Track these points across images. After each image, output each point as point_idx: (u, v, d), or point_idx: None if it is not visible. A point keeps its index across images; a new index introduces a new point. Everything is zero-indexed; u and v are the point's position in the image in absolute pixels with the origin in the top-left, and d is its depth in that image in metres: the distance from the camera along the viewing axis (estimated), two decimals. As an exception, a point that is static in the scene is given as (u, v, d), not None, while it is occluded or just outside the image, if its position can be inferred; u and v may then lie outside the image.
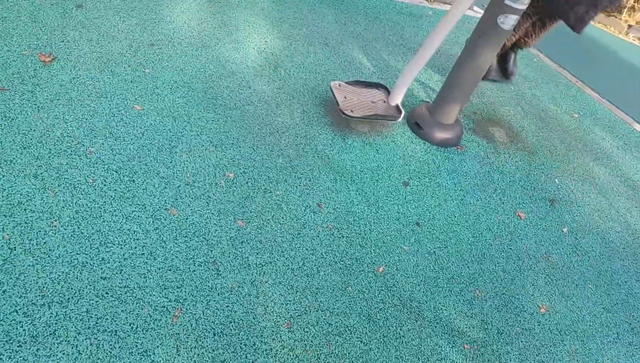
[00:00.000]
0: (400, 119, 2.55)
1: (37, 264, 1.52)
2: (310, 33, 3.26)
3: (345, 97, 2.54)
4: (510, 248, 2.17)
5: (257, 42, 2.95)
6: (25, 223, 1.61)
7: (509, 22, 2.27)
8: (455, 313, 1.82)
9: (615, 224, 2.55)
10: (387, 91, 2.68)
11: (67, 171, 1.80)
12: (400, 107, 2.58)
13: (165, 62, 2.48)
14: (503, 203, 2.43)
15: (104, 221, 1.70)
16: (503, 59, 2.98)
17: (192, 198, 1.87)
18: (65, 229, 1.64)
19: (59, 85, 2.12)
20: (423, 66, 2.47)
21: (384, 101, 2.62)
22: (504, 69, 2.95)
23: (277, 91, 2.62)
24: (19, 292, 1.45)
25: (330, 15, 3.59)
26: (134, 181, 1.85)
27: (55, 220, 1.65)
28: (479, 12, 4.11)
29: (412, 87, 3.10)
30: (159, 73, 2.40)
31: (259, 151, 2.20)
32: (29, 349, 1.35)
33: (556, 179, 2.73)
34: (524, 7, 2.24)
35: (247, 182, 2.03)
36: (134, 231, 1.71)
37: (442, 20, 2.27)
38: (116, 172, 1.86)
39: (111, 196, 1.77)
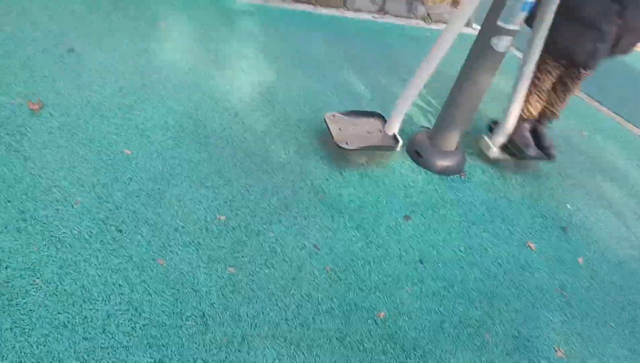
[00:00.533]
0: (398, 149, 2.47)
1: (15, 327, 1.45)
2: (305, 62, 3.22)
3: (340, 129, 2.46)
4: (522, 284, 2.04)
5: (251, 75, 2.91)
6: (6, 282, 1.55)
7: (502, 44, 2.19)
8: (464, 362, 1.69)
9: (635, 252, 2.39)
10: (383, 120, 2.60)
11: (52, 223, 1.74)
12: (398, 136, 2.49)
13: (155, 103, 2.45)
14: (512, 233, 2.31)
15: (88, 276, 1.63)
16: (536, 136, 2.63)
17: (181, 246, 1.80)
18: (48, 286, 1.57)
19: (47, 133, 2.08)
20: (419, 91, 2.39)
21: (380, 130, 2.54)
22: (541, 146, 2.60)
23: (272, 125, 2.57)
24: (-5, 360, 1.37)
25: (325, 43, 3.55)
26: (121, 230, 1.79)
27: (37, 278, 1.58)
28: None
29: (410, 113, 3.02)
30: (149, 114, 2.36)
31: (252, 190, 2.13)
32: (3, 424, 1.27)
33: (568, 204, 2.60)
34: (516, 28, 2.16)
35: (239, 225, 1.95)
36: (120, 285, 1.63)
37: (437, 41, 2.20)
38: (103, 222, 1.80)
39: (97, 249, 1.71)
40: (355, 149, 2.35)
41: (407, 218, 2.24)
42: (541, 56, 2.43)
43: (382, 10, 4.40)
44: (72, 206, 1.82)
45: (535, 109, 2.63)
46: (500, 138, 2.62)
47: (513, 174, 2.72)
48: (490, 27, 2.19)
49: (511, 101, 2.52)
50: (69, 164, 1.98)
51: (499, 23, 2.15)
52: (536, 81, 2.54)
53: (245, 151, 2.33)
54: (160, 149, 2.18)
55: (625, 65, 4.77)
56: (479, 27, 2.34)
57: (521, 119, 2.61)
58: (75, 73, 2.46)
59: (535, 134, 2.66)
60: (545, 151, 2.61)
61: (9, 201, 1.77)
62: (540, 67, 2.49)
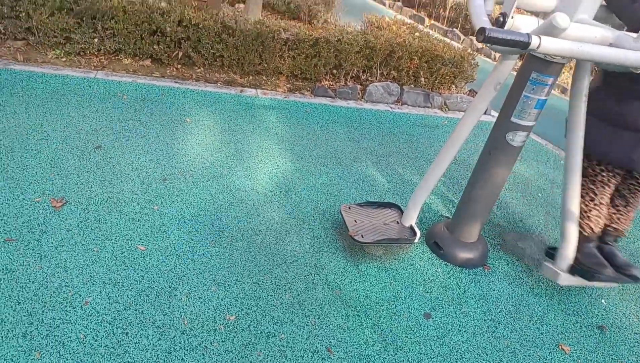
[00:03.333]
0: (416, 241, 2.40)
1: None
2: (323, 153, 3.30)
3: (355, 221, 2.43)
4: (558, 395, 1.84)
5: (269, 167, 2.98)
6: (4, 392, 1.49)
7: (518, 139, 2.19)
8: None
9: (683, 356, 2.16)
10: (400, 211, 2.56)
11: (58, 326, 1.71)
12: (415, 228, 2.43)
13: (175, 197, 2.50)
14: (542, 333, 2.13)
15: (88, 385, 1.56)
16: (608, 258, 2.30)
17: (187, 350, 1.72)
18: (46, 397, 1.50)
19: (65, 230, 2.13)
20: (438, 181, 2.37)
21: (397, 222, 2.50)
22: (617, 267, 2.25)
23: (287, 216, 2.56)
24: None
25: (344, 133, 3.65)
26: (127, 333, 1.74)
27: (36, 387, 1.52)
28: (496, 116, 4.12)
29: (429, 202, 2.98)
30: (167, 209, 2.40)
31: (264, 286, 2.07)
32: None
33: (603, 300, 2.42)
34: (531, 123, 2.16)
35: (249, 325, 1.87)
36: (120, 395, 1.55)
37: (454, 130, 2.22)
38: (110, 324, 1.75)
39: (101, 354, 1.65)
40: (370, 243, 2.30)
41: (427, 316, 2.11)
42: (593, 163, 2.27)
43: (399, 101, 4.56)
44: (81, 307, 1.79)
45: (596, 225, 2.31)
46: (566, 261, 2.30)
47: (540, 266, 2.58)
48: (505, 123, 2.20)
49: (565, 219, 2.26)
50: (83, 262, 1.99)
51: (513, 119, 2.16)
52: (591, 194, 2.28)
53: (259, 244, 2.31)
54: (174, 245, 2.19)
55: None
56: (497, 114, 2.33)
57: (583, 238, 2.31)
58: (100, 169, 2.57)
59: (603, 254, 2.31)
60: (622, 272, 2.24)
61: (19, 303, 1.76)
62: (593, 178, 2.28)
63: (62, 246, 2.05)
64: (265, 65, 4.15)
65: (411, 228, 2.46)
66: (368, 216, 2.50)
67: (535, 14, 2.06)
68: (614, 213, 2.35)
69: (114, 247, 2.10)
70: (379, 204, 2.62)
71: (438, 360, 1.89)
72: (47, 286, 1.85)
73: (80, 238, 2.10)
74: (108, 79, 3.64)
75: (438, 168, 2.33)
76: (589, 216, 2.30)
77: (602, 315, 2.32)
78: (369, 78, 4.48)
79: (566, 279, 2.28)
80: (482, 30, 1.34)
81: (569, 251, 2.28)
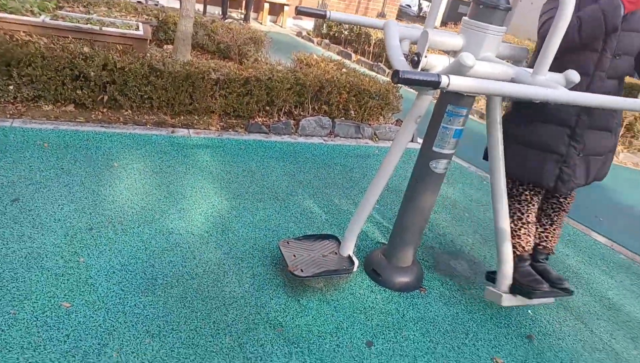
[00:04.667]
0: (354, 270, 2.45)
1: None
2: (260, 189, 3.30)
3: (294, 256, 2.44)
4: (496, 408, 1.92)
5: (204, 207, 2.93)
6: None
7: (440, 166, 2.34)
8: None
9: (602, 356, 2.34)
10: (338, 241, 2.61)
11: (-31, 401, 1.54)
12: (353, 257, 2.49)
13: (103, 247, 2.38)
14: (478, 349, 2.23)
15: None
16: (542, 275, 2.41)
17: (119, 411, 1.61)
18: None
19: (-23, 293, 1.95)
20: (371, 209, 2.45)
21: (336, 253, 2.54)
22: (551, 283, 2.37)
23: (225, 256, 2.52)
24: None
25: (279, 168, 3.69)
26: (50, 400, 1.60)
27: None
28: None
29: (366, 229, 3.06)
30: (94, 260, 2.28)
31: (202, 332, 2.00)
32: None
33: (529, 311, 2.58)
34: (451, 151, 2.32)
35: (187, 376, 1.79)
36: None
37: (383, 161, 2.32)
38: (30, 392, 1.61)
39: None
40: (310, 277, 2.31)
41: (369, 344, 2.14)
42: (516, 184, 2.43)
43: (331, 133, 4.70)
44: (-4, 377, 1.63)
45: (526, 243, 2.45)
46: (505, 282, 2.42)
47: (471, 284, 2.72)
48: (427, 152, 2.34)
49: (498, 242, 2.41)
50: (-1, 326, 1.82)
51: (435, 149, 2.31)
52: (518, 214, 2.44)
53: (196, 289, 2.24)
54: (103, 298, 2.07)
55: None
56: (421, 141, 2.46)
57: (516, 258, 2.45)
58: (17, 224, 2.40)
59: (537, 272, 2.45)
60: (556, 286, 2.38)
61: None
62: (518, 198, 2.44)
63: (-27, 311, 1.87)
64: (197, 105, 4.14)
65: (349, 257, 2.51)
66: (307, 250, 2.52)
67: (446, 52, 2.26)
68: (541, 232, 2.51)
69: (34, 307, 1.94)
70: (317, 237, 2.66)
71: (382, 387, 1.91)
72: (-46, 359, 1.67)
73: (-5, 301, 1.93)
74: (26, 127, 3.44)
75: (371, 197, 2.42)
76: (519, 235, 2.44)
77: (529, 324, 2.47)
78: (302, 113, 4.60)
79: (508, 300, 2.40)
80: (397, 72, 1.44)
81: (508, 271, 2.41)
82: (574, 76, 1.93)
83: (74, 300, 2.02)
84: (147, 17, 5.82)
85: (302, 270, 2.33)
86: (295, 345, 2.04)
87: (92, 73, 3.67)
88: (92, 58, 3.68)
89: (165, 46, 5.86)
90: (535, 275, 2.40)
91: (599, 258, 3.34)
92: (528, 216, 2.43)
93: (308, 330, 2.14)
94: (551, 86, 1.77)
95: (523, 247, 2.45)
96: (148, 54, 4.35)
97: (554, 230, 2.51)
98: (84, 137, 3.50)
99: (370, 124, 4.86)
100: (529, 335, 2.39)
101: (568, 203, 2.48)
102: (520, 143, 2.35)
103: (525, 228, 2.44)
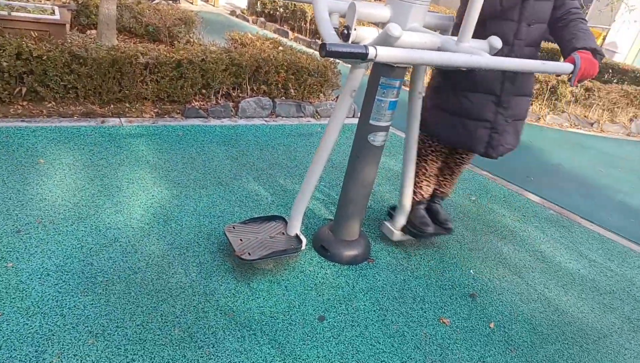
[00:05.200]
0: (303, 248, 2.46)
1: None
2: (202, 175, 3.21)
3: (241, 240, 2.41)
4: (444, 365, 2.02)
5: (143, 198, 2.81)
6: None
7: (379, 139, 2.37)
8: None
9: (538, 305, 2.52)
10: (285, 222, 2.60)
11: None
12: (301, 236, 2.49)
13: (33, 249, 2.23)
14: (425, 311, 2.32)
15: None
16: (432, 213, 2.80)
17: (65, 417, 1.54)
18: None
19: None
20: (315, 187, 2.45)
21: (283, 233, 2.53)
22: (438, 222, 2.76)
23: (169, 247, 2.44)
24: None
25: (221, 152, 3.60)
26: (-15, 416, 1.50)
27: None
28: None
29: (312, 207, 3.07)
30: (24, 264, 2.13)
31: (149, 326, 1.94)
32: None
33: (471, 271, 2.72)
34: (387, 123, 2.36)
35: (136, 372, 1.74)
36: None
37: (322, 138, 2.32)
38: (-39, 411, 1.50)
39: None
40: (258, 259, 2.29)
41: (321, 318, 2.17)
42: (425, 145, 2.65)
43: (273, 114, 4.63)
44: None
45: (426, 192, 2.80)
46: (400, 222, 2.75)
47: (416, 250, 2.82)
48: (365, 126, 2.36)
49: (403, 187, 2.70)
50: None
51: (372, 122, 2.33)
52: (423, 169, 2.72)
53: (139, 283, 2.16)
54: (38, 303, 1.94)
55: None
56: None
57: (415, 202, 2.77)
58: None
59: (431, 211, 2.82)
60: (442, 226, 2.77)
61: None
62: (425, 156, 2.69)
63: None
64: (127, 92, 3.91)
65: (297, 236, 2.51)
66: (253, 233, 2.49)
67: (375, 24, 2.26)
68: (442, 180, 2.83)
69: (-42, 321, 1.79)
70: (263, 219, 2.63)
71: (336, 359, 1.95)
72: None
73: None
74: None
75: (313, 175, 2.41)
76: (420, 186, 2.78)
77: (472, 284, 2.61)
78: (240, 94, 4.49)
79: (398, 236, 2.79)
80: (324, 45, 1.42)
81: (403, 216, 2.76)
82: (497, 41, 2.00)
83: (4, 308, 1.88)
84: (64, 0, 5.39)
85: (249, 254, 2.31)
86: (248, 329, 2.03)
87: (5, 63, 3.36)
88: (2, 47, 3.37)
89: (88, 31, 5.48)
90: (426, 218, 2.75)
91: (532, 215, 3.57)
92: (431, 171, 2.73)
93: (260, 312, 2.13)
94: (476, 53, 1.82)
95: (422, 195, 2.79)
96: (68, 40, 4.04)
97: (453, 179, 2.83)
98: (3, 133, 3.22)
99: (311, 102, 4.84)
100: (472, 293, 2.52)
101: (469, 158, 2.73)
102: (450, 112, 2.45)
103: (427, 181, 2.77)
